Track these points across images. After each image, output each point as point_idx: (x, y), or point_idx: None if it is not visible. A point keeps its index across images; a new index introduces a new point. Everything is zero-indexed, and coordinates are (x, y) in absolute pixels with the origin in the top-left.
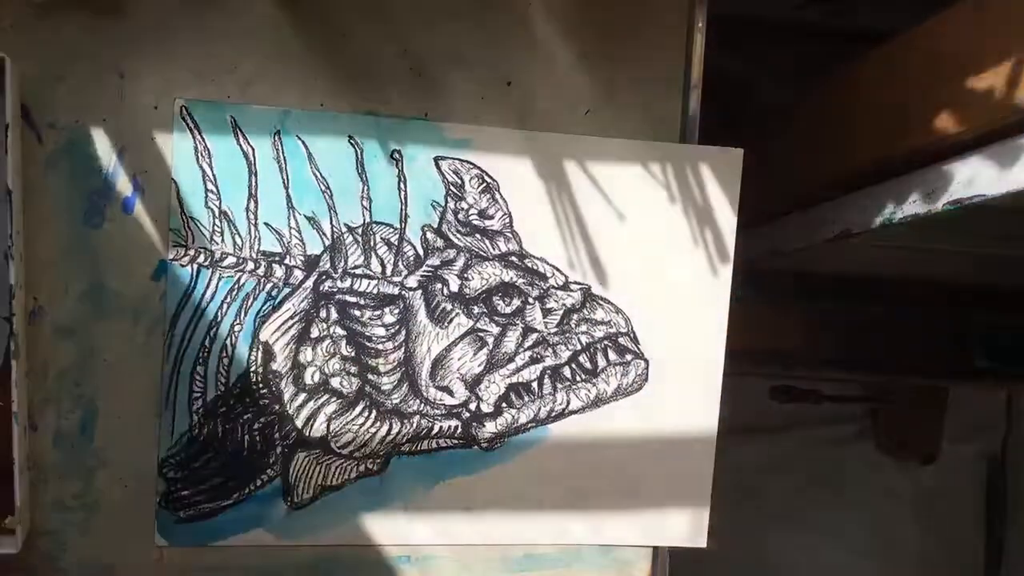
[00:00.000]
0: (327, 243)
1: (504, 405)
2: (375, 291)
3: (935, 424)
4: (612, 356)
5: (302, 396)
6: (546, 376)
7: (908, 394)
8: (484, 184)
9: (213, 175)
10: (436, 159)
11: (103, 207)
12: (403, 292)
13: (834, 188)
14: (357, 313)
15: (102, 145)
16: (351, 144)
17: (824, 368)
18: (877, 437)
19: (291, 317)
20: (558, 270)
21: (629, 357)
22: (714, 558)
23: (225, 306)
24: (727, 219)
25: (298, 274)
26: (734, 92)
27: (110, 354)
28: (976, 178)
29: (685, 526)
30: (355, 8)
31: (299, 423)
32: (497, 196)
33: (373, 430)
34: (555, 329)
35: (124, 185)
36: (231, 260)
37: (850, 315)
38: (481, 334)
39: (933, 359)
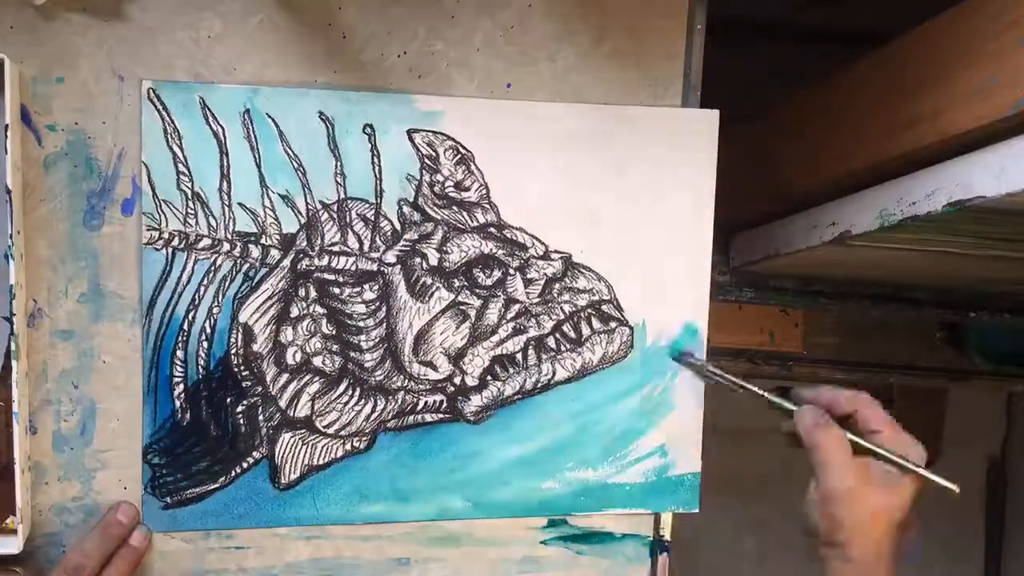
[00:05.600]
0: (303, 221)
1: (489, 378)
2: (353, 268)
3: (935, 425)
4: (596, 324)
5: (284, 376)
6: (530, 347)
7: (908, 395)
8: (459, 156)
9: (184, 157)
10: (409, 132)
11: (102, 209)
12: (382, 268)
13: (834, 189)
14: (336, 291)
15: (101, 147)
16: (321, 120)
17: (824, 368)
18: None
19: (270, 297)
20: (538, 239)
21: (613, 324)
22: (714, 559)
23: (203, 289)
24: (706, 181)
25: (275, 253)
26: (734, 93)
27: (109, 356)
28: (976, 179)
29: (680, 493)
30: (355, 9)
31: (283, 403)
32: (473, 167)
33: (358, 408)
34: (537, 299)
35: (123, 187)
36: (206, 242)
37: (850, 315)
38: (463, 307)
39: (933, 359)
